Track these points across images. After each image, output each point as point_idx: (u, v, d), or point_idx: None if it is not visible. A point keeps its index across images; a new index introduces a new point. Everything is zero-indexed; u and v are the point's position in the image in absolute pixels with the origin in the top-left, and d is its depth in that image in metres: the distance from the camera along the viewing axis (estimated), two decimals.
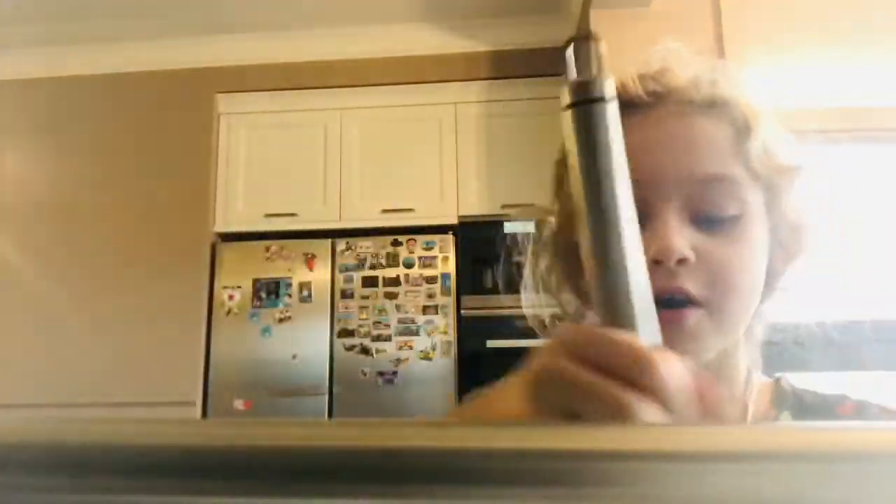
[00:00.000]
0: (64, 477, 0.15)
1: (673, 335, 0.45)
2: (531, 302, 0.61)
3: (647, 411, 0.25)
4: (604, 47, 0.30)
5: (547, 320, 0.60)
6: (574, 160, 0.28)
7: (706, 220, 0.46)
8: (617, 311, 0.27)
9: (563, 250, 0.57)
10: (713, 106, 0.48)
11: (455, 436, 0.16)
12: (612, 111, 0.28)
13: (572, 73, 0.30)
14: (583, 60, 0.29)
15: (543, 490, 0.14)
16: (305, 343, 2.76)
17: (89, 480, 0.15)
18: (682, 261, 0.45)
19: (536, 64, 3.01)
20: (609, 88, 0.28)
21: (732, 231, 0.47)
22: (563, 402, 0.27)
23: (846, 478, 0.14)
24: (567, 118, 0.29)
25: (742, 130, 0.48)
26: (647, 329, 0.27)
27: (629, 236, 0.27)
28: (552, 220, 0.58)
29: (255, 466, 0.15)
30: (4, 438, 0.16)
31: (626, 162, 0.28)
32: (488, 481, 0.15)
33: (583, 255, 0.29)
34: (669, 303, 0.45)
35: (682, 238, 0.45)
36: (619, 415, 0.25)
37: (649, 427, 0.17)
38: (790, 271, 0.52)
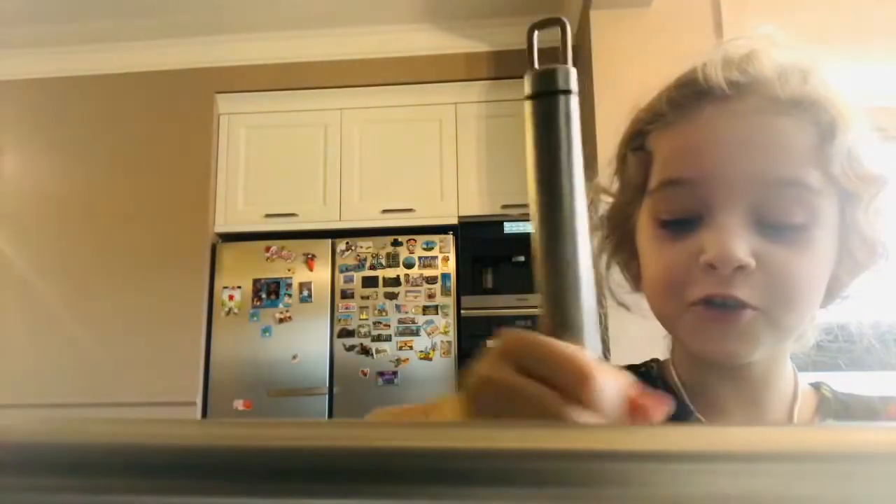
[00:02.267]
0: (64, 477, 0.15)
1: (723, 335, 0.44)
2: None
3: (579, 420, 0.25)
4: (569, 35, 0.28)
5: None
6: (531, 154, 0.27)
7: (772, 226, 0.44)
8: (567, 319, 0.27)
9: (617, 230, 0.54)
10: (798, 105, 0.45)
11: (455, 436, 0.16)
12: (573, 105, 0.27)
13: (535, 61, 0.28)
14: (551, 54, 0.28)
15: (543, 490, 0.14)
16: (305, 343, 2.76)
17: (89, 480, 0.15)
18: (739, 268, 0.43)
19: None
20: (573, 80, 0.27)
21: (798, 239, 0.44)
22: (499, 410, 0.27)
23: (846, 478, 0.14)
24: (528, 108, 0.28)
25: (826, 133, 0.44)
26: (592, 340, 0.27)
27: (581, 239, 0.27)
28: (608, 199, 0.55)
29: (255, 466, 0.15)
30: (5, 438, 0.16)
31: (582, 160, 0.27)
32: (488, 481, 0.15)
33: (533, 252, 0.28)
34: (722, 305, 0.44)
35: (742, 243, 0.43)
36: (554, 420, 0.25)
37: (649, 427, 0.17)
38: (856, 283, 0.49)
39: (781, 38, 0.49)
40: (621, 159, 0.53)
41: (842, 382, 0.55)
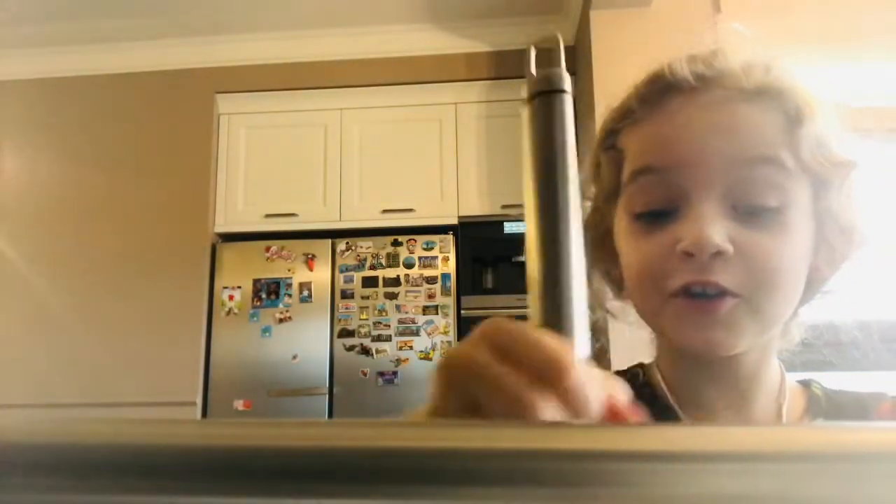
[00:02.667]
0: (64, 477, 0.15)
1: (705, 324, 0.44)
2: None
3: (548, 414, 0.23)
4: (561, 48, 0.30)
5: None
6: (528, 152, 0.28)
7: (746, 211, 0.44)
8: (560, 314, 0.26)
9: (597, 235, 0.55)
10: (763, 94, 0.46)
11: (455, 436, 0.16)
12: (568, 103, 0.28)
13: (532, 70, 0.29)
14: (545, 60, 0.29)
15: (543, 490, 0.14)
16: (305, 343, 2.76)
17: (89, 481, 0.15)
18: (717, 253, 0.43)
19: (537, 64, 3.00)
20: (567, 82, 0.28)
21: (773, 223, 0.44)
22: (467, 392, 0.26)
23: (846, 478, 0.14)
24: (526, 112, 0.29)
25: (793, 119, 0.45)
26: (582, 341, 0.26)
27: (575, 234, 0.27)
28: (586, 205, 0.56)
29: (255, 466, 0.15)
30: (5, 438, 0.16)
31: (576, 157, 0.28)
32: (488, 481, 0.15)
33: (526, 247, 0.28)
34: (702, 294, 0.44)
35: (719, 228, 0.43)
36: (517, 412, 0.24)
37: (649, 427, 0.17)
38: (836, 276, 0.49)
39: (746, 35, 0.50)
40: (595, 162, 0.54)
41: (833, 381, 0.55)
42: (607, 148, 0.52)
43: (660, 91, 0.48)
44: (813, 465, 0.14)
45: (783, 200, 0.44)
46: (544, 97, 0.28)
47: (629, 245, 0.49)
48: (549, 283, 0.27)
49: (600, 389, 0.25)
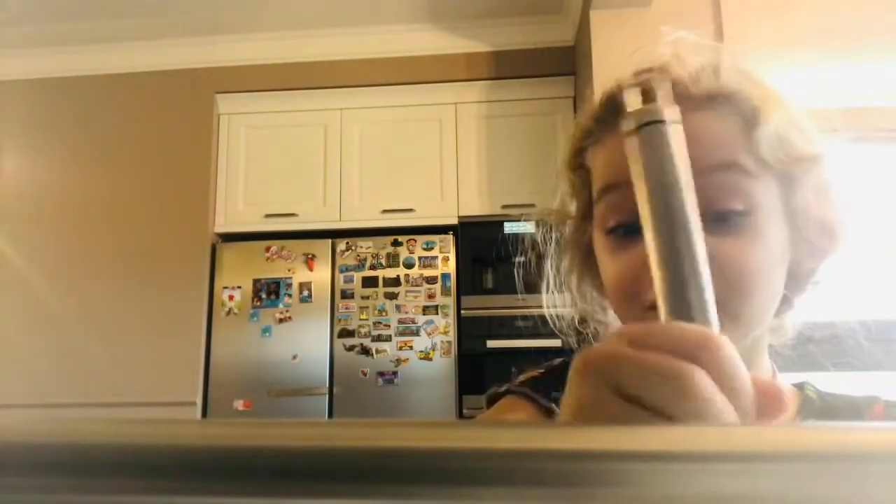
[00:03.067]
0: (64, 477, 0.15)
1: None
2: (553, 302, 0.60)
3: (707, 386, 0.24)
4: (668, 85, 0.32)
5: (568, 321, 0.59)
6: (642, 180, 0.30)
7: (713, 219, 0.43)
8: (693, 316, 0.28)
9: (580, 249, 0.56)
10: (714, 99, 0.45)
11: (455, 436, 0.16)
12: (675, 131, 0.31)
13: (630, 106, 0.32)
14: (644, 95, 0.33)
15: (543, 490, 0.14)
16: (305, 343, 2.76)
17: (89, 480, 0.15)
18: None
19: (537, 64, 3.01)
20: (671, 112, 0.31)
21: (742, 227, 0.44)
22: (619, 384, 0.25)
23: (846, 478, 0.14)
24: (631, 143, 0.31)
25: (750, 120, 0.45)
26: (715, 328, 0.28)
27: (698, 241, 0.29)
28: (573, 219, 0.57)
29: (255, 466, 0.15)
30: (5, 438, 0.16)
31: (691, 175, 0.30)
32: (488, 481, 0.15)
33: (652, 263, 0.30)
34: None
35: None
36: (678, 389, 0.24)
37: (649, 427, 0.17)
38: (822, 268, 0.49)
39: (690, 42, 0.50)
40: (569, 181, 0.55)
41: (828, 382, 0.55)
42: (576, 168, 0.53)
43: (612, 111, 0.49)
44: (813, 465, 0.14)
45: (749, 203, 0.44)
46: (649, 127, 0.31)
47: (605, 260, 0.50)
48: (677, 292, 0.28)
49: (746, 372, 0.25)
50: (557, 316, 0.60)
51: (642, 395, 0.24)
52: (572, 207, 0.56)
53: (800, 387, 0.55)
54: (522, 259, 0.61)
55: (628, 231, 0.46)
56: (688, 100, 0.45)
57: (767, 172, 0.45)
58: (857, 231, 0.48)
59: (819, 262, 0.49)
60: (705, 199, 0.43)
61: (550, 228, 0.59)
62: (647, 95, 0.31)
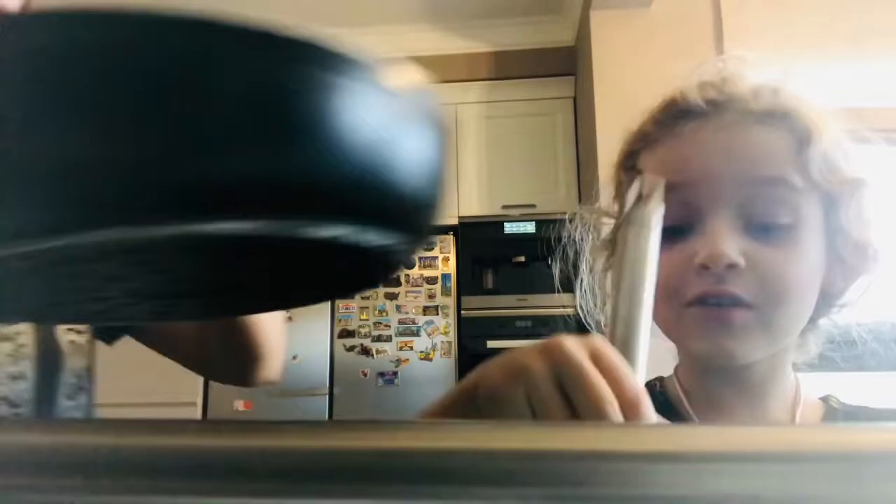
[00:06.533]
0: (64, 477, 0.15)
1: (719, 333, 0.46)
2: (588, 302, 0.61)
3: (616, 418, 0.29)
4: (659, 190, 0.42)
5: (601, 320, 0.60)
6: (622, 262, 0.40)
7: (758, 228, 0.46)
8: (632, 363, 0.36)
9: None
10: (772, 115, 0.48)
11: (455, 436, 0.16)
12: (655, 236, 0.40)
13: (629, 202, 0.42)
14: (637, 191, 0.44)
15: (543, 490, 0.14)
16: (305, 343, 2.76)
17: (89, 480, 0.15)
18: (731, 266, 0.45)
19: (537, 64, 3.01)
20: (656, 219, 0.40)
21: (785, 240, 0.46)
22: (561, 374, 0.31)
23: (846, 478, 0.14)
24: (623, 231, 0.41)
25: (802, 140, 0.47)
26: (642, 372, 0.37)
27: (647, 315, 0.38)
28: (612, 221, 0.58)
29: (255, 466, 0.15)
30: (5, 438, 0.16)
31: (655, 270, 0.39)
32: (488, 481, 0.15)
33: (611, 319, 0.38)
34: (717, 304, 0.46)
35: (732, 243, 0.45)
36: (595, 408, 0.30)
37: (650, 427, 0.17)
38: (852, 288, 0.51)
39: (752, 60, 0.53)
40: (617, 181, 0.57)
41: (844, 384, 0.56)
42: (628, 168, 0.55)
43: (674, 116, 0.51)
44: (813, 465, 0.14)
45: (794, 218, 0.47)
46: (633, 229, 0.41)
47: None
48: (626, 347, 0.37)
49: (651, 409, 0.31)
50: (588, 315, 0.62)
51: (569, 391, 0.31)
52: (615, 207, 0.58)
53: (825, 399, 0.56)
54: (558, 260, 0.62)
55: (675, 231, 0.48)
56: (749, 114, 0.48)
57: (814, 191, 0.48)
58: (889, 251, 0.51)
59: (850, 283, 0.51)
60: (753, 209, 0.47)
61: (589, 229, 0.60)
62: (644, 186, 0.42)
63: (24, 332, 0.58)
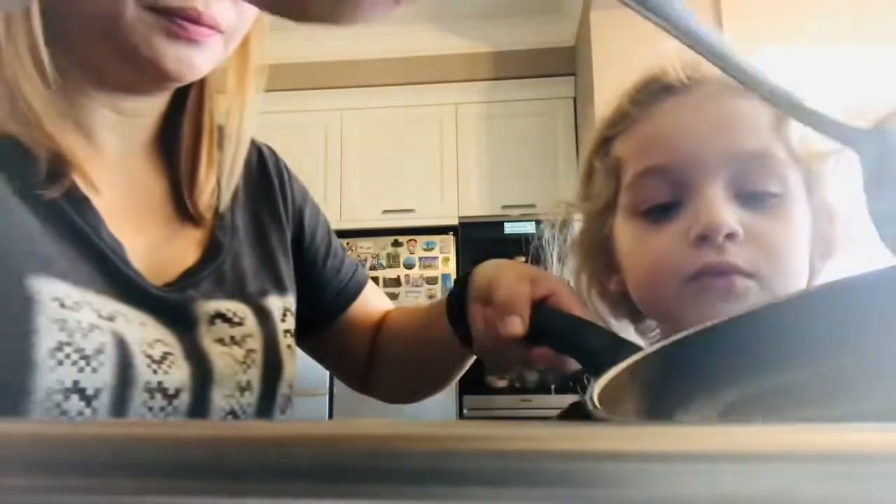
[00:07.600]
0: (64, 477, 0.15)
1: (720, 301, 0.45)
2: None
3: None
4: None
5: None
6: None
7: (750, 198, 0.46)
8: None
9: (592, 249, 0.55)
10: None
11: (455, 436, 0.16)
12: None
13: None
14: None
15: (543, 490, 0.14)
16: None
17: (89, 480, 0.15)
18: (730, 235, 0.44)
19: (537, 64, 3.01)
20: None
21: (776, 210, 0.46)
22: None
23: (846, 478, 0.14)
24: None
25: (781, 114, 0.46)
26: None
27: None
28: (580, 217, 0.57)
29: (256, 466, 0.15)
30: (5, 438, 0.16)
31: None
32: (488, 481, 0.15)
33: None
34: (718, 274, 0.45)
35: (729, 212, 0.45)
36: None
37: (649, 427, 0.17)
38: (827, 271, 0.50)
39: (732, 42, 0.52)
40: (588, 173, 0.55)
41: None
42: (603, 156, 0.54)
43: (653, 92, 0.50)
44: (813, 465, 0.14)
45: (783, 188, 0.46)
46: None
47: (636, 243, 0.50)
48: None
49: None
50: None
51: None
52: (589, 202, 0.56)
53: None
54: (526, 260, 0.60)
55: (664, 210, 0.48)
56: (729, 87, 0.47)
57: (796, 164, 0.47)
58: (866, 229, 0.50)
59: (824, 265, 0.50)
60: (743, 179, 0.46)
61: (560, 228, 0.59)
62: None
63: (252, 336, 0.53)
